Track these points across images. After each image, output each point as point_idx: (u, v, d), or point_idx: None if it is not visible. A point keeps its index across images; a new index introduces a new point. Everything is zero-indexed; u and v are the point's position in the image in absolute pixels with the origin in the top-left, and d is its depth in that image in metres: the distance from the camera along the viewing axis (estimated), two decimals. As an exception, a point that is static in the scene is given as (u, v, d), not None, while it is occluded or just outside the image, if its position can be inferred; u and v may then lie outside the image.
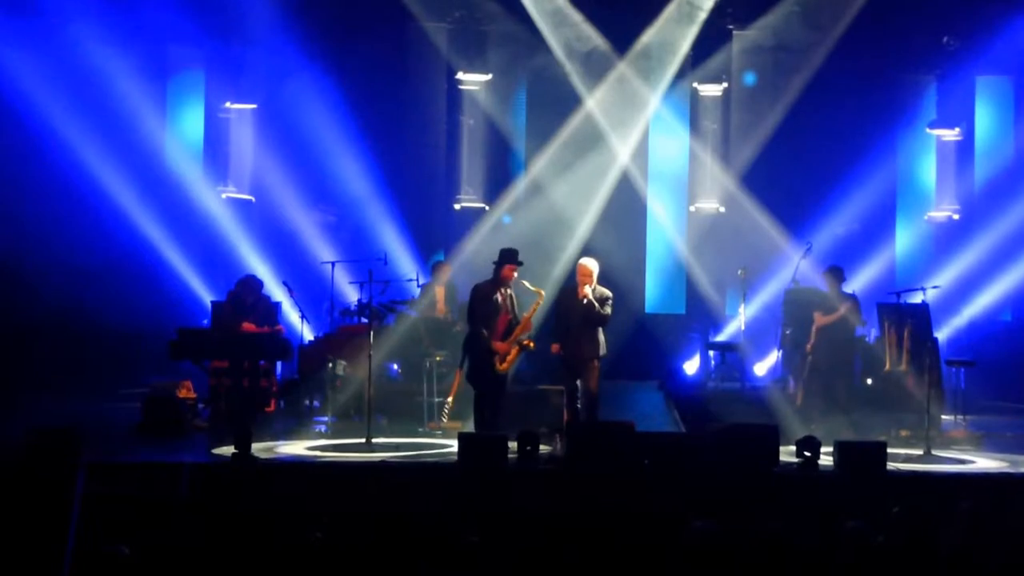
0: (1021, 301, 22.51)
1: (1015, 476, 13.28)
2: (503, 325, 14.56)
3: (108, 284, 20.09)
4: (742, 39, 22.65)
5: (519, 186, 22.11)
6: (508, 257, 14.65)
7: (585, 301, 14.64)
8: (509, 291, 14.71)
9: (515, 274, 14.60)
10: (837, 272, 17.15)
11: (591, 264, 14.88)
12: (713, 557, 8.35)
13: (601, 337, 14.86)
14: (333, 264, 18.03)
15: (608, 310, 14.82)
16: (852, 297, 17.13)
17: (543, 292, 14.98)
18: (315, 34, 21.16)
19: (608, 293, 14.90)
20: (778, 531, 8.70)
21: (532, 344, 14.72)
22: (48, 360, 19.66)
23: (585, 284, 14.74)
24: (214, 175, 21.99)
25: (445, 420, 15.93)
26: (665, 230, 22.47)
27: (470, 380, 14.75)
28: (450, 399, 15.81)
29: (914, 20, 22.20)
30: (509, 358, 14.52)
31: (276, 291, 18.67)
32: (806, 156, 22.12)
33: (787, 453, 13.43)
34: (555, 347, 14.93)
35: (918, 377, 16.17)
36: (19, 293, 20.01)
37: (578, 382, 14.84)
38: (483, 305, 14.56)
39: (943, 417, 17.18)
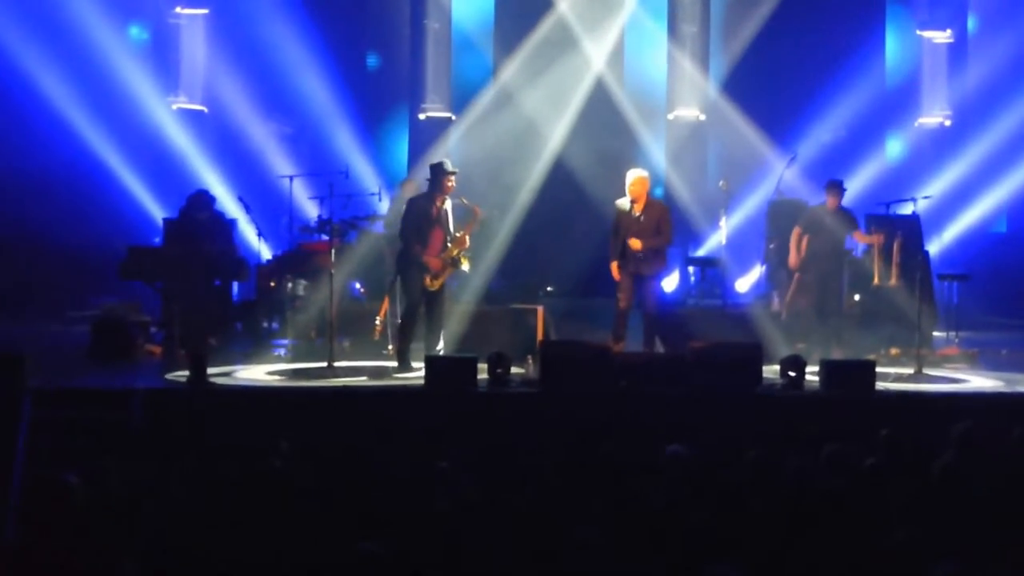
0: (1017, 211, 22.55)
1: (1010, 396, 13.34)
2: (439, 241, 14.73)
3: (52, 201, 19.96)
4: (724, -65, 22.56)
5: (487, 94, 21.94)
6: (443, 168, 14.85)
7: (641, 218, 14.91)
8: (445, 206, 14.84)
9: (453, 183, 14.74)
10: (836, 187, 16.95)
11: (646, 174, 15.16)
12: (690, 482, 8.37)
13: (663, 254, 15.26)
14: (291, 178, 17.96)
15: (668, 227, 15.16)
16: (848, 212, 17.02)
17: (480, 209, 15.21)
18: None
19: (666, 206, 15.12)
20: (760, 454, 8.72)
21: (466, 261, 14.89)
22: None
23: (643, 198, 14.93)
24: (164, 85, 21.78)
25: (376, 337, 16.09)
26: (642, 140, 22.33)
27: (402, 293, 15.01)
28: (379, 316, 15.95)
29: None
30: (442, 277, 14.70)
31: (231, 207, 18.56)
32: (791, 60, 22.03)
33: (771, 373, 13.49)
34: (615, 267, 14.97)
35: (909, 292, 16.19)
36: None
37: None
38: (419, 220, 14.77)
39: (935, 334, 17.28)
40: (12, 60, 19.79)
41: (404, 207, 15.21)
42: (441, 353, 14.54)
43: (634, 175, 15.08)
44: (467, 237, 15.01)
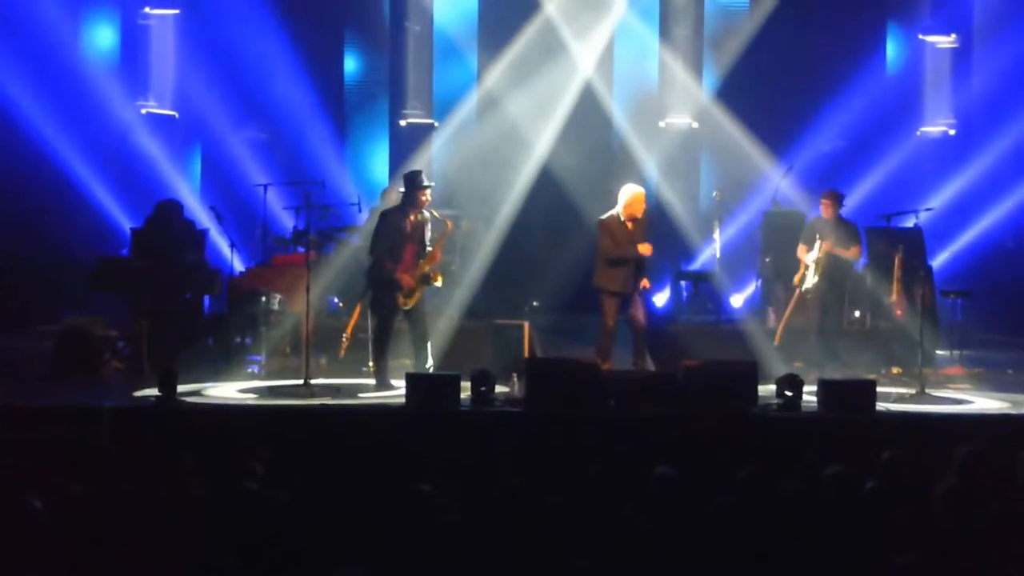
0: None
1: (1015, 417, 13.36)
2: (411, 255, 14.68)
3: (15, 209, 19.88)
4: (717, -63, 22.59)
5: (471, 100, 21.94)
6: (418, 180, 14.81)
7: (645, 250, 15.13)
8: (420, 218, 14.82)
9: (428, 198, 14.71)
10: (831, 197, 16.88)
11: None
12: (681, 506, 8.36)
13: None
14: (266, 187, 17.93)
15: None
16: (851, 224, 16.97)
17: (451, 223, 15.24)
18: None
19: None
20: (756, 477, 8.72)
21: (439, 277, 14.88)
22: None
23: (642, 212, 15.04)
24: (132, 88, 21.70)
25: (342, 355, 16.23)
26: (632, 148, 22.31)
27: (371, 311, 15.00)
28: (347, 333, 15.97)
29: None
30: (415, 295, 14.70)
31: (203, 217, 18.54)
32: (787, 66, 22.01)
33: (767, 392, 13.48)
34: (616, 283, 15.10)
35: (910, 309, 16.20)
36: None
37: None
38: (392, 234, 14.72)
39: (938, 353, 17.26)
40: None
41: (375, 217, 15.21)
42: (431, 370, 14.53)
43: (636, 193, 15.06)
44: (439, 252, 15.00)
